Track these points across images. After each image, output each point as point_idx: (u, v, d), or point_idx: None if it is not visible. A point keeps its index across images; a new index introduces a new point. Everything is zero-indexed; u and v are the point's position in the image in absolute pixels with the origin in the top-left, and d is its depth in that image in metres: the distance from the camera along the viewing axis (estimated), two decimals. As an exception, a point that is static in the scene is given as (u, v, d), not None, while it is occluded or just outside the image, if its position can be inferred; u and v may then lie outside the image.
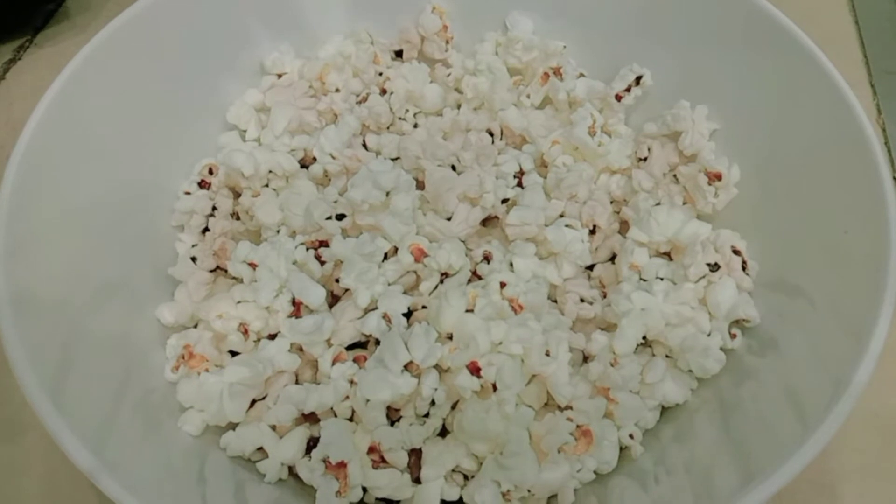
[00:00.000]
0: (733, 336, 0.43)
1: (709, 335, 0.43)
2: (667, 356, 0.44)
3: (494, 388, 0.40)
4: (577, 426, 0.40)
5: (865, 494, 0.46)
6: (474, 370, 0.40)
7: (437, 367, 0.42)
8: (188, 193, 0.51)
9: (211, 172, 0.51)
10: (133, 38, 0.48)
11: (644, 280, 0.46)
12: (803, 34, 0.45)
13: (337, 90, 0.56)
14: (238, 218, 0.52)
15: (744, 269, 0.45)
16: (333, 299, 0.48)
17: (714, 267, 0.44)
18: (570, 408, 0.41)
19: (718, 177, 0.47)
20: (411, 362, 0.40)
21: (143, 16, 0.48)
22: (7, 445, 0.48)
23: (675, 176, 0.50)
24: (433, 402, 0.41)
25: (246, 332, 0.44)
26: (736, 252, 0.45)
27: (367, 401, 0.40)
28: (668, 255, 0.48)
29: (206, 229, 0.51)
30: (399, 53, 0.59)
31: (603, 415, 0.41)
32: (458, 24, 0.58)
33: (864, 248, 0.39)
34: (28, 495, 0.46)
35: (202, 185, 0.51)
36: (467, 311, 0.43)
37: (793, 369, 0.39)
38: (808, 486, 0.46)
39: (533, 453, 0.39)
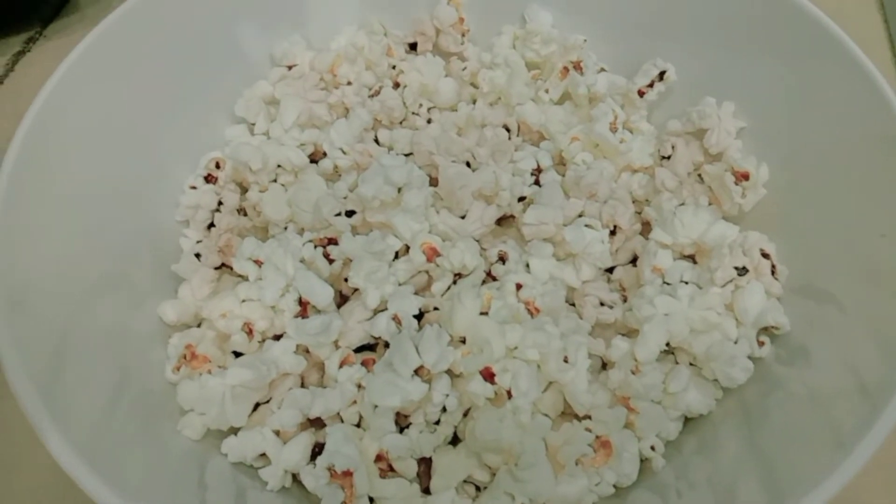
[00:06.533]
0: (761, 344, 0.42)
1: (736, 343, 0.42)
2: (691, 364, 0.43)
3: (509, 395, 0.39)
4: (596, 437, 0.39)
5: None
6: (488, 376, 0.39)
7: (449, 372, 0.40)
8: (194, 188, 0.50)
9: (217, 166, 0.51)
10: (138, 27, 0.47)
11: (667, 284, 0.44)
12: (835, 26, 0.44)
13: (348, 83, 0.55)
14: (245, 213, 0.51)
15: (773, 273, 0.43)
16: (342, 299, 0.47)
17: (742, 271, 0.42)
18: (589, 417, 0.40)
19: (746, 176, 0.45)
20: (422, 367, 0.39)
21: (149, 4, 0.47)
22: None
23: (699, 175, 0.49)
24: (444, 409, 0.40)
25: (250, 332, 0.43)
26: (765, 255, 0.43)
27: (376, 406, 0.39)
28: (691, 258, 0.47)
29: (211, 225, 0.50)
30: (413, 46, 0.58)
31: (623, 425, 0.40)
32: (475, 16, 0.57)
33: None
34: (22, 497, 0.45)
35: (208, 179, 0.50)
36: (481, 313, 0.42)
37: (824, 381, 0.38)
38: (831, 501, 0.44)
39: (549, 465, 0.38)
